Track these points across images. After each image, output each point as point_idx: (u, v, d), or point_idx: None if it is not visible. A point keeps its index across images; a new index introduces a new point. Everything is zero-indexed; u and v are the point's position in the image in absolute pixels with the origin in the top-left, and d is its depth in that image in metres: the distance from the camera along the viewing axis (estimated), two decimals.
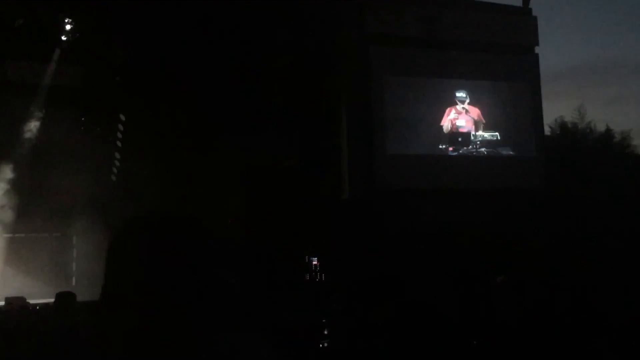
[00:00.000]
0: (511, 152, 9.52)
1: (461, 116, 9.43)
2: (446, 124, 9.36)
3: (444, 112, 9.37)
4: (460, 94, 9.46)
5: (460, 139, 9.35)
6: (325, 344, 2.82)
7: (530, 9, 10.01)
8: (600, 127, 12.59)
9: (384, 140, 8.96)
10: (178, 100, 8.09)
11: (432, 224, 8.16)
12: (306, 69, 8.39)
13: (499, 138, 9.46)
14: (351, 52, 8.78)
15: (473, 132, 9.40)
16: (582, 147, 12.01)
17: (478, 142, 9.39)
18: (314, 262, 8.48)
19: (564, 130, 12.52)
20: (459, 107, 9.43)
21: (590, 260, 6.82)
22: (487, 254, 7.17)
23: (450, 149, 9.31)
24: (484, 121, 9.46)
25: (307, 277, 8.59)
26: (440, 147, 9.26)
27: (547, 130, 11.35)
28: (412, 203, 8.58)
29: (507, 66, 9.62)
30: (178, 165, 8.28)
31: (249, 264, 7.43)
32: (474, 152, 9.39)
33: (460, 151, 9.34)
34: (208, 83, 7.81)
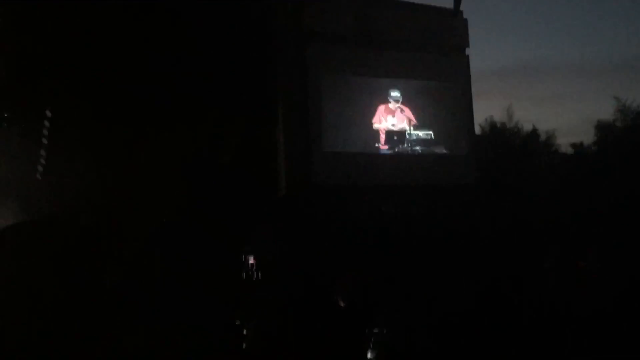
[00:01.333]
0: (444, 150, 9.69)
1: (396, 115, 9.52)
2: (378, 122, 9.42)
3: (375, 109, 9.43)
4: (394, 93, 9.55)
5: (396, 138, 9.44)
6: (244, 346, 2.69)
7: (461, 12, 10.21)
8: (527, 127, 13.05)
9: (320, 138, 8.94)
10: (107, 95, 7.82)
11: (369, 220, 8.24)
12: (242, 65, 8.20)
13: (432, 137, 9.61)
14: (288, 49, 8.75)
15: (408, 131, 9.53)
16: (510, 146, 12.39)
17: (413, 141, 9.52)
18: (250, 261, 8.23)
19: (494, 129, 12.92)
20: (393, 105, 9.52)
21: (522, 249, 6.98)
22: (424, 246, 6.82)
23: (386, 147, 9.38)
24: (415, 122, 9.58)
25: (244, 275, 8.42)
26: (376, 145, 9.32)
27: (477, 130, 11.63)
28: (349, 199, 8.69)
29: (439, 66, 9.76)
30: (108, 161, 7.98)
31: (182, 262, 7.61)
32: (408, 150, 9.52)
33: (396, 149, 9.43)
34: (139, 76, 7.65)
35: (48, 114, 7.99)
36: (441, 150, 9.72)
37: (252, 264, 8.18)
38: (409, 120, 9.60)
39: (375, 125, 9.33)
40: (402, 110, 9.58)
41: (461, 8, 10.13)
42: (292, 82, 8.91)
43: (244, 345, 2.83)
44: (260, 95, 8.58)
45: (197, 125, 8.00)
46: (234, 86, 8.25)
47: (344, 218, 8.36)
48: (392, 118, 9.52)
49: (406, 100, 9.60)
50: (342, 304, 2.75)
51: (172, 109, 7.90)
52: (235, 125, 8.39)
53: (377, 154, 9.34)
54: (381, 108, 9.42)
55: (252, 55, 8.30)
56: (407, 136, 9.53)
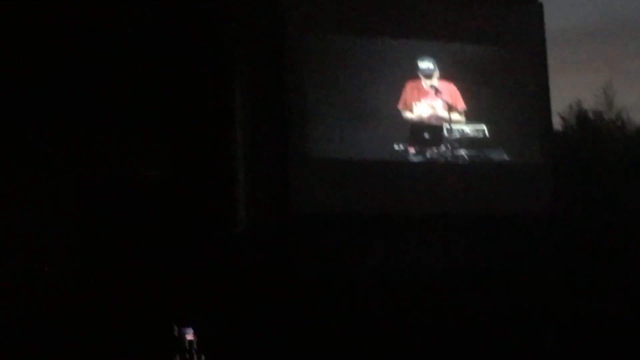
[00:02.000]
0: (505, 157, 9.34)
1: (428, 98, 9.13)
2: (404, 108, 9.05)
3: (399, 90, 9.02)
4: (425, 64, 9.17)
5: (427, 135, 9.10)
6: None
7: None
8: (637, 118, 13.10)
9: (303, 137, 8.61)
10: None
11: (379, 274, 8.13)
12: (176, 25, 8.23)
13: (486, 134, 9.25)
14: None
15: (447, 125, 9.14)
16: (609, 149, 11.97)
17: (455, 141, 9.16)
18: (187, 337, 8.04)
19: (583, 123, 12.57)
20: (424, 83, 9.13)
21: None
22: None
23: (412, 150, 9.02)
24: (463, 107, 9.19)
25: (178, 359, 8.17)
26: (396, 147, 8.96)
27: (557, 123, 11.48)
28: (349, 240, 8.42)
29: (496, 21, 9.50)
30: None
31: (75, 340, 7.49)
32: (448, 155, 9.15)
33: (428, 154, 9.07)
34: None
35: None
36: (500, 155, 9.35)
37: (190, 342, 8.12)
38: (451, 107, 9.18)
39: (400, 115, 9.05)
40: (437, 92, 9.15)
41: None
42: (258, 50, 8.61)
43: None
44: (206, 73, 8.46)
45: (109, 126, 8.01)
46: (167, 62, 8.24)
47: (339, 274, 8.20)
48: (422, 103, 9.15)
49: (447, 75, 9.24)
50: None
51: (69, 99, 7.94)
52: (169, 121, 8.27)
53: (399, 162, 8.98)
54: (407, 87, 9.10)
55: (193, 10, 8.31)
56: (445, 132, 9.13)
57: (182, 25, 8.30)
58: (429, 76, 9.14)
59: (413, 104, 9.07)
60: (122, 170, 8.29)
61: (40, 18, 7.98)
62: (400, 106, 9.02)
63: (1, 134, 8.01)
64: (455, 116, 9.20)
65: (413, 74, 9.16)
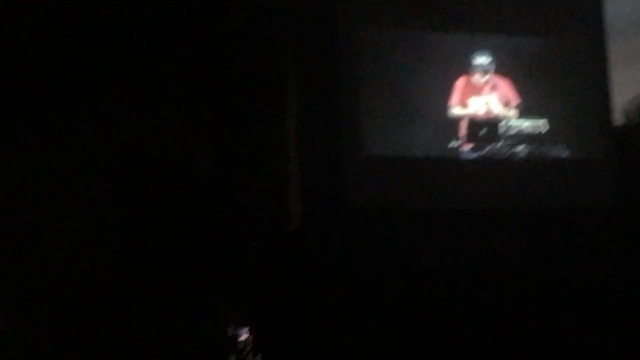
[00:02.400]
0: (565, 152, 9.21)
1: (484, 94, 9.06)
2: (458, 105, 8.98)
3: (452, 85, 8.96)
4: (481, 59, 9.06)
5: (484, 131, 9.01)
6: None
7: None
8: None
9: (358, 134, 8.58)
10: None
11: (438, 271, 8.14)
12: (228, 21, 8.23)
13: (545, 130, 9.13)
14: None
15: (504, 120, 9.09)
16: None
17: (513, 136, 9.09)
18: (241, 337, 8.06)
19: None
20: (480, 78, 9.05)
21: None
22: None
23: (468, 146, 8.94)
24: (519, 102, 9.08)
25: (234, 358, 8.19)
26: (451, 144, 8.92)
27: (620, 117, 10.74)
28: (406, 236, 8.40)
29: (553, 11, 9.36)
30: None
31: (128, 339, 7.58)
32: (506, 152, 9.06)
33: (485, 150, 8.99)
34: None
35: None
36: (561, 152, 9.22)
37: (245, 342, 8.19)
38: (507, 102, 9.10)
39: (455, 111, 8.97)
40: (494, 87, 9.07)
41: None
42: (311, 44, 8.57)
43: None
44: (257, 64, 8.42)
45: (154, 114, 7.96)
46: (217, 55, 8.27)
47: (397, 270, 8.17)
48: (479, 99, 9.07)
49: (504, 69, 9.13)
50: None
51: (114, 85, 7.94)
52: (218, 113, 8.28)
53: (454, 159, 8.91)
54: (461, 83, 9.02)
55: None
56: (502, 128, 9.04)
57: (232, 20, 8.28)
58: (484, 71, 9.04)
59: (468, 99, 8.99)
60: (172, 163, 8.18)
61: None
62: (454, 102, 8.95)
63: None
64: (512, 111, 9.09)
65: (468, 69, 9.06)
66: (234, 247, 8.12)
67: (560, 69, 9.33)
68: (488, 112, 9.05)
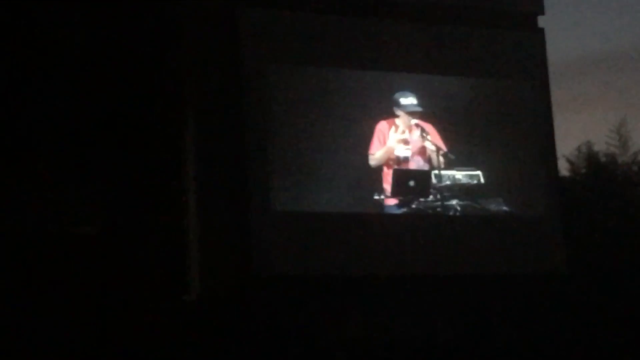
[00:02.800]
0: (504, 207, 8.72)
1: (411, 140, 8.46)
2: (380, 152, 8.37)
3: (372, 130, 8.40)
4: (407, 100, 8.48)
5: (412, 183, 8.42)
6: None
7: None
8: None
9: (267, 187, 7.93)
10: None
11: (356, 347, 7.57)
12: (117, 59, 7.65)
13: (481, 180, 8.59)
14: (202, 23, 8.01)
15: (436, 170, 8.49)
16: (626, 197, 11.44)
17: (445, 189, 8.55)
18: None
19: (595, 167, 12.08)
20: (404, 122, 8.45)
21: None
22: None
23: (394, 201, 8.38)
24: (445, 150, 8.49)
25: None
26: (376, 197, 8.33)
27: (564, 168, 11.00)
28: (323, 306, 7.83)
29: (491, 50, 9.01)
30: None
31: None
32: (438, 206, 8.49)
33: (414, 205, 8.41)
34: None
35: None
36: (499, 206, 8.72)
37: None
38: (437, 150, 8.48)
39: (375, 157, 8.40)
40: (422, 132, 8.45)
41: None
42: (212, 83, 8.00)
43: None
44: (153, 112, 7.89)
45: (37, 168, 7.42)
46: (105, 99, 7.68)
47: (311, 339, 7.63)
48: (405, 146, 8.51)
49: (430, 114, 8.61)
50: None
51: None
52: (108, 166, 7.69)
53: (378, 215, 8.32)
54: (382, 127, 8.48)
55: (138, 42, 7.74)
56: (434, 179, 8.47)
57: (121, 55, 7.68)
58: (412, 114, 8.44)
59: (393, 146, 8.43)
60: (49, 227, 7.54)
61: None
62: (376, 149, 8.37)
63: None
64: (443, 161, 8.48)
65: (391, 111, 8.51)
66: (125, 320, 7.44)
67: (499, 113, 8.94)
68: (414, 160, 8.49)
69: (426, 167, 8.50)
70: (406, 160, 8.43)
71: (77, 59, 7.65)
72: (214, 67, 8.04)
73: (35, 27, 7.59)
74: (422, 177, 8.45)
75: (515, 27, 9.24)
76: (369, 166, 8.37)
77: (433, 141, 8.43)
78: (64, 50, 7.59)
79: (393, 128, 8.44)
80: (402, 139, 8.44)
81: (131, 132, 7.69)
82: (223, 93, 8.05)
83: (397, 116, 8.47)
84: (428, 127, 8.55)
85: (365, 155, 8.35)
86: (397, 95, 8.50)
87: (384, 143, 8.41)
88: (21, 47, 7.59)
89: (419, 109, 8.48)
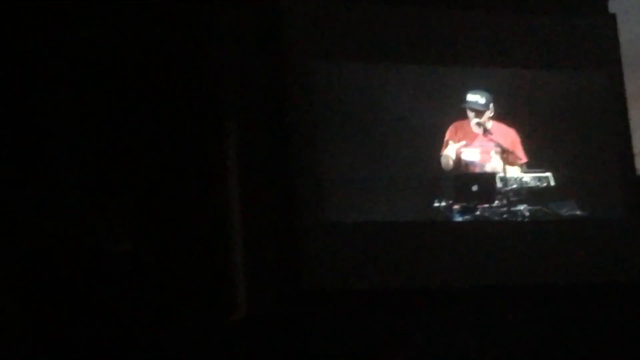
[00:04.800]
0: (577, 211, 8.29)
1: (477, 142, 8.18)
2: (447, 155, 8.06)
3: (442, 131, 8.07)
4: (474, 97, 8.17)
5: (476, 188, 8.10)
6: None
7: None
8: None
9: (317, 196, 7.59)
10: None
11: None
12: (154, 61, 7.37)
13: (552, 184, 8.21)
14: (242, 18, 7.67)
15: (502, 174, 8.17)
16: None
17: (512, 192, 8.20)
18: None
19: None
20: (473, 122, 8.15)
21: None
22: None
23: (457, 207, 8.03)
24: (523, 159, 8.26)
25: None
26: (437, 204, 7.98)
27: None
28: (379, 323, 7.44)
29: (554, 37, 8.62)
30: None
31: None
32: (504, 212, 8.13)
33: (478, 212, 8.08)
34: None
35: None
36: (572, 210, 8.31)
37: None
38: (504, 152, 8.18)
39: (445, 161, 8.19)
40: (487, 132, 8.19)
41: None
42: (251, 82, 7.69)
43: None
44: (186, 118, 7.60)
45: (63, 190, 7.17)
46: (139, 107, 7.43)
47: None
48: (471, 149, 8.25)
49: (503, 111, 8.31)
50: None
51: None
52: (143, 177, 7.42)
53: (439, 223, 7.96)
54: (453, 128, 8.22)
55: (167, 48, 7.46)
56: (499, 183, 8.14)
57: (154, 58, 7.44)
58: (479, 113, 8.18)
59: (458, 149, 8.17)
60: (83, 244, 7.27)
61: None
62: (442, 152, 8.05)
63: None
64: (511, 163, 8.21)
65: (458, 110, 8.23)
66: (165, 343, 7.17)
67: (568, 108, 8.52)
68: (482, 163, 8.22)
69: (492, 171, 8.20)
70: (470, 163, 8.17)
71: (108, 63, 7.42)
72: (256, 67, 7.74)
73: (63, 36, 7.40)
74: (486, 181, 8.12)
75: (584, 13, 8.89)
76: (430, 172, 8.07)
77: (500, 142, 8.16)
78: (92, 54, 7.37)
79: (463, 129, 8.19)
80: (470, 141, 8.21)
81: (167, 141, 7.44)
82: (266, 95, 7.75)
83: (468, 116, 8.23)
84: (502, 127, 8.30)
85: (426, 160, 8.06)
86: (467, 91, 8.25)
87: (452, 145, 8.15)
88: (54, 58, 7.40)
89: (483, 107, 8.22)
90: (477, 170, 8.13)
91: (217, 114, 7.73)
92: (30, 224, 7.13)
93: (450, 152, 8.05)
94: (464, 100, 8.20)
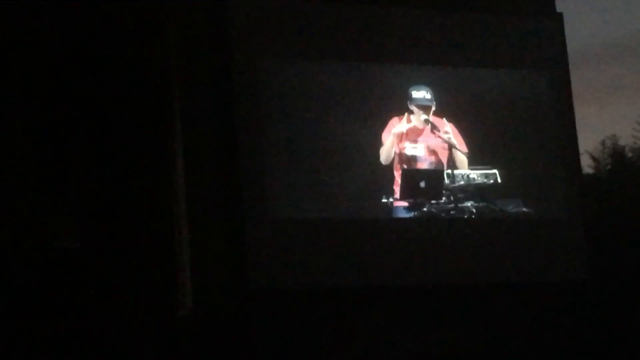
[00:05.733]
0: (524, 209, 8.38)
1: (422, 138, 8.16)
2: (387, 143, 8.08)
3: (382, 127, 8.06)
4: (420, 94, 8.19)
5: (423, 184, 8.11)
6: None
7: None
8: None
9: (263, 193, 7.54)
10: None
11: None
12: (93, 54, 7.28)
13: (498, 180, 8.26)
14: (189, 13, 7.60)
15: (449, 170, 8.22)
16: None
17: (459, 189, 8.24)
18: None
19: (619, 164, 11.80)
20: (417, 118, 8.15)
21: None
22: None
23: (404, 204, 8.06)
24: (465, 151, 8.22)
25: None
26: (384, 200, 7.99)
27: (587, 165, 10.92)
28: (325, 321, 7.43)
29: (502, 35, 8.68)
30: None
31: None
32: (451, 209, 8.18)
33: (425, 208, 8.09)
34: None
35: None
36: (518, 207, 8.38)
37: None
38: (450, 148, 8.23)
39: (381, 153, 8.12)
40: (433, 128, 8.17)
41: None
42: (198, 79, 7.62)
43: None
44: (135, 107, 7.47)
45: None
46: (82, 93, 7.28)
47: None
48: (415, 144, 8.27)
49: (444, 109, 8.27)
50: None
51: None
52: (90, 172, 7.31)
53: (385, 220, 7.96)
54: (394, 122, 8.21)
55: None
56: (446, 180, 8.16)
57: (102, 52, 7.29)
58: (424, 108, 8.15)
59: (402, 144, 8.16)
60: (26, 242, 7.11)
61: None
62: (383, 139, 8.03)
63: None
64: (458, 159, 8.23)
65: (401, 106, 8.19)
66: (116, 337, 7.13)
67: (515, 107, 8.57)
68: (429, 160, 8.20)
69: (439, 167, 8.20)
70: (416, 159, 8.15)
71: (54, 56, 7.27)
72: (203, 64, 7.67)
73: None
74: (433, 177, 8.13)
75: (531, 12, 8.92)
76: (375, 168, 8.04)
77: (445, 138, 8.15)
78: (38, 46, 7.21)
79: (405, 124, 8.13)
80: (412, 137, 8.16)
81: (114, 136, 7.32)
82: (213, 91, 7.67)
83: (412, 112, 8.18)
84: (443, 123, 8.27)
85: (371, 156, 8.03)
86: (410, 89, 8.21)
87: (396, 140, 8.12)
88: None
89: (430, 103, 8.19)
90: (423, 166, 8.12)
91: (164, 111, 7.64)
92: None
93: (390, 141, 8.02)
94: (408, 97, 8.19)
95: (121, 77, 7.36)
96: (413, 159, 8.11)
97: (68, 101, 7.16)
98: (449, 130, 8.24)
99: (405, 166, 8.08)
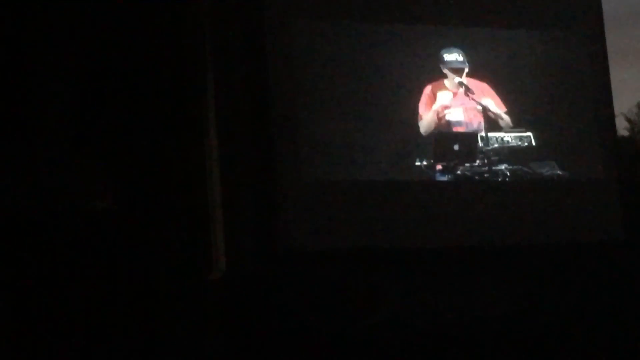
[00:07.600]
0: (557, 171, 8.28)
1: (456, 101, 8.08)
2: (427, 117, 7.96)
3: (419, 93, 7.95)
4: (452, 56, 8.10)
5: (457, 147, 8.06)
6: None
7: None
8: None
9: (296, 155, 7.50)
10: None
11: (395, 328, 7.13)
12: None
13: (532, 142, 8.20)
14: None
15: (482, 132, 8.15)
16: None
17: (493, 152, 8.17)
18: None
19: None
20: (450, 82, 8.07)
21: None
22: None
23: (439, 167, 8.00)
24: (497, 112, 8.13)
25: None
26: (418, 164, 7.93)
27: (623, 128, 10.64)
28: (358, 283, 7.33)
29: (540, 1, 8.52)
30: None
31: None
32: (485, 172, 8.10)
33: (459, 171, 8.04)
34: None
35: None
36: (552, 170, 8.29)
37: None
38: (485, 111, 8.13)
39: (423, 124, 8.04)
40: (468, 91, 8.08)
41: None
42: (233, 43, 7.50)
43: None
44: (169, 73, 7.34)
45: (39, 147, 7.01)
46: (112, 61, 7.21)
47: (343, 328, 7.15)
48: (454, 110, 8.19)
49: (480, 69, 8.22)
50: None
51: None
52: (119, 139, 7.25)
53: (420, 183, 7.89)
54: (429, 90, 8.09)
55: None
56: (480, 143, 8.09)
57: (132, 15, 7.17)
58: (457, 71, 8.09)
59: (439, 110, 8.11)
60: (64, 202, 7.11)
61: None
62: (421, 111, 7.96)
63: None
64: (493, 122, 8.15)
65: (435, 69, 8.14)
66: (146, 301, 7.06)
67: (549, 68, 8.45)
68: (463, 122, 8.15)
69: (473, 130, 8.13)
70: (452, 124, 8.09)
71: (85, 18, 7.18)
72: (236, 25, 7.55)
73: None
74: (467, 140, 8.05)
75: None
76: (410, 131, 7.97)
77: (481, 101, 8.09)
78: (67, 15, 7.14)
79: (441, 90, 8.09)
80: (449, 101, 8.10)
81: (149, 101, 7.28)
82: (246, 53, 7.57)
83: (446, 76, 8.12)
84: (480, 85, 8.19)
85: (407, 120, 7.97)
86: (442, 51, 8.14)
87: (431, 104, 8.06)
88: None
89: (462, 65, 8.11)
90: (459, 129, 8.07)
91: (198, 75, 7.58)
92: (11, 184, 7.07)
93: (431, 116, 7.99)
94: (440, 59, 8.13)
95: (154, 41, 7.30)
96: (449, 123, 8.08)
97: (106, 66, 7.15)
98: (482, 89, 8.16)
99: (442, 130, 8.06)
